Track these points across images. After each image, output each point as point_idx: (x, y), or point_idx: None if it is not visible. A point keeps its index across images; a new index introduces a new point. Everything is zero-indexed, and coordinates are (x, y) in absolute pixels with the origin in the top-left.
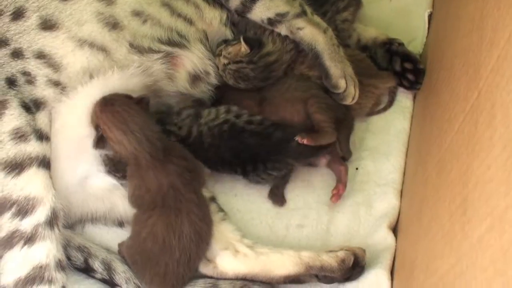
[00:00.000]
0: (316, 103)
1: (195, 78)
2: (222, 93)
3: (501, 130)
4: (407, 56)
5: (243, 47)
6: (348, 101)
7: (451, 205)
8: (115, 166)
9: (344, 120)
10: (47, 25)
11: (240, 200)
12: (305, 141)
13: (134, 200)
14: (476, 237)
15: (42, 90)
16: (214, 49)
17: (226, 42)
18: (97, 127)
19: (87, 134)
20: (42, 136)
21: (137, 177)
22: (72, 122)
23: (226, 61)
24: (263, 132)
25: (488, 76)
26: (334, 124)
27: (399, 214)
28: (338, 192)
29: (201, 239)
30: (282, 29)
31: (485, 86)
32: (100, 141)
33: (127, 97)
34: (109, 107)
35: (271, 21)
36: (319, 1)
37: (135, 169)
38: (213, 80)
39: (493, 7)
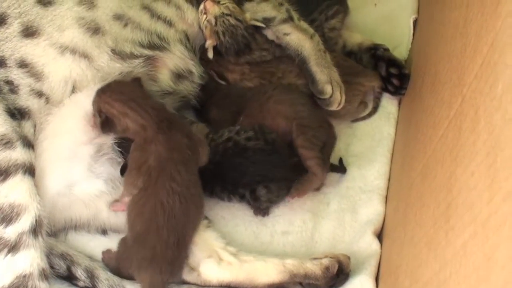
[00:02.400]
0: (302, 134)
1: (178, 76)
2: (207, 96)
3: (485, 136)
4: (392, 61)
5: (249, 15)
6: (334, 107)
7: (435, 211)
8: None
9: (327, 140)
10: (29, 32)
11: (225, 207)
12: (297, 197)
13: (130, 177)
14: (459, 244)
15: (26, 100)
16: (196, 49)
17: None
18: (99, 112)
19: (76, 141)
20: (28, 144)
21: (140, 150)
22: (59, 129)
23: (227, 12)
24: (264, 148)
25: (472, 82)
26: (321, 153)
27: (384, 220)
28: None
29: (188, 221)
30: (269, 34)
31: (468, 92)
32: (105, 124)
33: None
34: (106, 89)
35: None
36: (308, 9)
37: (141, 143)
38: (197, 79)
39: (476, 13)
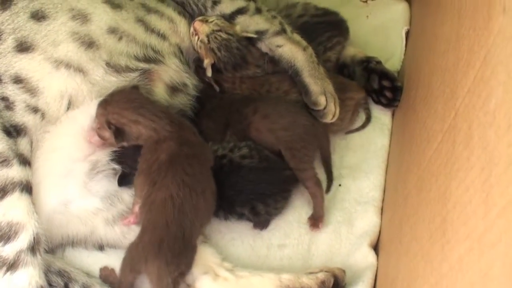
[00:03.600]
0: (293, 157)
1: (173, 90)
2: (202, 104)
3: (479, 151)
4: (385, 74)
5: (239, 28)
6: (329, 119)
7: (431, 224)
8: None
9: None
10: (23, 47)
11: (221, 220)
12: (319, 226)
13: (140, 179)
14: (455, 258)
15: (22, 117)
16: (190, 61)
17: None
18: (108, 124)
19: (71, 158)
20: (25, 161)
21: (152, 150)
22: (54, 146)
23: (217, 28)
24: (259, 166)
25: (465, 96)
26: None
27: (379, 232)
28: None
29: (196, 216)
30: (262, 46)
31: (462, 106)
32: (118, 134)
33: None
34: (110, 100)
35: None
36: (308, 39)
37: (153, 145)
38: (192, 91)
39: (468, 28)
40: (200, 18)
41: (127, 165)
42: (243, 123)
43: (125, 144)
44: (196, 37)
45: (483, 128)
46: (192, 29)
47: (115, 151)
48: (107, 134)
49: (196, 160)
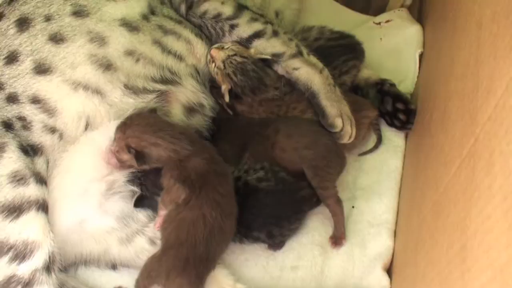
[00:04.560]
0: (316, 175)
1: (190, 111)
2: (218, 127)
3: (501, 180)
4: (398, 97)
5: (254, 51)
6: (345, 140)
7: (449, 251)
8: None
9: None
10: (41, 69)
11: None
12: (343, 243)
13: (171, 194)
14: (477, 287)
15: (39, 137)
16: (206, 82)
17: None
18: (128, 147)
19: (88, 178)
20: (41, 180)
21: (179, 167)
22: (72, 166)
23: (232, 53)
24: (275, 189)
25: (485, 123)
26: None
27: (393, 255)
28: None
29: (222, 239)
30: (278, 69)
31: (482, 134)
32: (139, 158)
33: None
34: (129, 123)
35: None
36: (323, 62)
37: (176, 163)
38: (208, 112)
39: (488, 55)
40: (216, 45)
41: (146, 188)
42: (264, 144)
43: (146, 167)
44: (213, 64)
45: (506, 157)
46: (209, 56)
47: (132, 172)
48: (126, 157)
49: (224, 178)
